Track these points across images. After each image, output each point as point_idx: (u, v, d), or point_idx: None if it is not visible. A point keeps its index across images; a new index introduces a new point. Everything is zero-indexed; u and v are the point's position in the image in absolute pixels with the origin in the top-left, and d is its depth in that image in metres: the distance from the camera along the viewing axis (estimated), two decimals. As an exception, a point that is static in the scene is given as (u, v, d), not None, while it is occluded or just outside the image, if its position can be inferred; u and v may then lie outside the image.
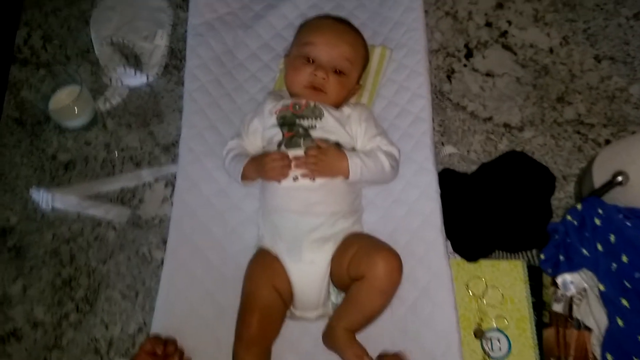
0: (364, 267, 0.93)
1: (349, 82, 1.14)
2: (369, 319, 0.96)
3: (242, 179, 1.08)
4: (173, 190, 1.18)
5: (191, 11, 1.35)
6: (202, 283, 1.07)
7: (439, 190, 1.10)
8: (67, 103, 1.21)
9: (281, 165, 1.02)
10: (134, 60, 1.39)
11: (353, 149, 1.09)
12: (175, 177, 1.19)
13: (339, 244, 1.00)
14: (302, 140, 1.05)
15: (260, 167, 1.04)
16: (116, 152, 1.29)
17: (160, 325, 1.03)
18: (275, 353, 0.97)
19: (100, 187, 1.24)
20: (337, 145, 1.06)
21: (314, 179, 1.02)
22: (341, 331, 0.93)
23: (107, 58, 1.38)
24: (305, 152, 1.04)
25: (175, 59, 1.39)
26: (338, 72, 1.11)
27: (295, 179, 1.02)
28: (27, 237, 1.21)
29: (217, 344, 1.00)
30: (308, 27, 1.18)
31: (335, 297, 1.01)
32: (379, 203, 1.12)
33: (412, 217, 1.08)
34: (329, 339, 0.95)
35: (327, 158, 1.02)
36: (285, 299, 0.99)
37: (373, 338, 0.98)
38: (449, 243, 1.09)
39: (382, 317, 0.99)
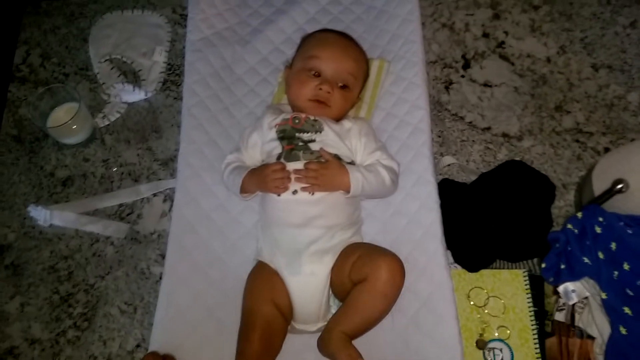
0: (366, 270, 0.93)
1: (352, 96, 1.14)
2: (368, 323, 0.94)
3: (241, 192, 1.08)
4: (172, 205, 1.17)
5: (189, 27, 1.36)
6: (202, 299, 1.06)
7: (439, 200, 1.09)
8: (66, 120, 1.22)
9: (281, 177, 1.01)
10: (133, 77, 1.39)
11: (352, 163, 1.08)
12: (174, 192, 1.18)
13: (339, 254, 1.00)
14: (301, 153, 1.05)
15: (260, 179, 1.03)
16: (115, 168, 1.29)
17: (158, 342, 1.01)
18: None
19: (99, 203, 1.24)
20: (337, 158, 1.06)
21: (313, 193, 1.02)
22: (337, 334, 0.91)
23: (106, 75, 1.39)
24: (304, 166, 1.03)
25: (174, 75, 1.39)
26: (342, 87, 1.11)
27: (295, 192, 1.02)
28: (25, 254, 1.20)
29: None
30: (313, 41, 1.18)
31: (336, 309, 1.00)
32: (379, 215, 1.11)
33: (413, 228, 1.07)
34: (324, 342, 0.93)
35: (328, 172, 1.02)
36: (286, 314, 0.98)
37: (374, 350, 0.97)
38: (449, 253, 1.08)
39: (383, 329, 0.99)
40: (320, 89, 1.09)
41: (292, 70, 1.17)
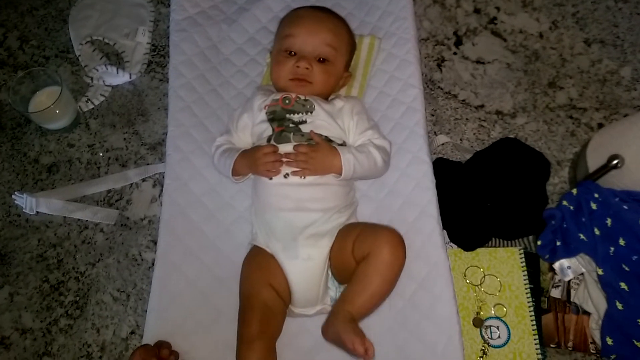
0: (368, 245, 0.92)
1: (335, 69, 1.11)
2: (375, 299, 0.92)
3: (232, 174, 1.05)
4: (162, 190, 1.15)
5: (173, 6, 1.32)
6: (196, 284, 1.04)
7: (434, 180, 1.08)
8: (48, 105, 1.18)
9: (273, 161, 0.99)
10: (116, 59, 1.36)
11: (344, 143, 1.06)
12: (163, 177, 1.16)
13: (336, 235, 0.99)
14: (292, 135, 1.03)
15: (252, 162, 1.01)
16: (101, 153, 1.26)
17: (153, 329, 1.00)
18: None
19: (86, 189, 1.21)
20: (328, 140, 1.04)
21: (304, 177, 1.00)
22: (344, 314, 0.89)
23: (88, 57, 1.35)
24: (294, 148, 1.01)
25: (159, 56, 1.36)
26: (322, 61, 1.08)
27: (286, 175, 1.00)
28: (12, 243, 1.17)
29: (214, 346, 0.98)
30: (287, 20, 1.15)
31: (335, 292, 0.99)
32: (374, 195, 1.10)
33: (408, 208, 1.06)
34: (329, 325, 0.91)
35: (318, 155, 1.00)
36: (284, 297, 0.97)
37: (373, 332, 0.96)
38: (445, 233, 1.08)
39: (381, 311, 0.98)
40: (298, 66, 1.06)
41: (272, 53, 1.15)
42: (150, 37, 1.37)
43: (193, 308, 1.02)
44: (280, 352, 0.96)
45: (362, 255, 0.92)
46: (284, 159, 1.00)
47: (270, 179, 1.00)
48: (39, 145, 1.27)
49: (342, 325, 0.87)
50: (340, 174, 1.00)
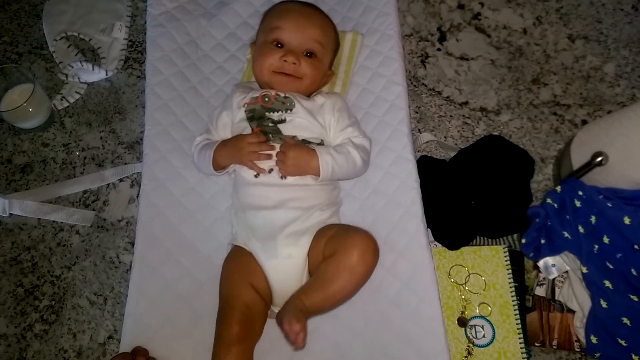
0: (338, 245, 0.90)
1: (322, 66, 1.09)
2: (331, 298, 0.90)
3: (214, 166, 1.02)
4: (139, 190, 1.12)
5: (150, 0, 1.28)
6: (175, 288, 1.01)
7: (418, 179, 1.06)
8: (21, 103, 1.15)
9: (259, 151, 0.97)
10: (92, 55, 1.32)
11: (322, 142, 1.04)
12: (141, 177, 1.12)
13: (315, 234, 0.97)
14: (270, 137, 1.01)
15: (235, 151, 0.99)
16: (77, 153, 1.22)
17: (131, 334, 0.97)
18: (256, 355, 0.92)
19: (61, 190, 1.17)
20: (305, 143, 1.02)
21: (285, 177, 0.98)
22: (296, 301, 0.86)
23: (63, 54, 1.31)
24: (280, 147, 0.99)
25: (136, 52, 1.32)
26: (309, 55, 1.06)
27: (270, 170, 0.98)
28: (-16, 246, 1.14)
29: (194, 351, 0.96)
30: (274, 12, 1.13)
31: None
32: (357, 194, 1.08)
33: (392, 208, 1.05)
34: (281, 310, 0.88)
35: (297, 155, 0.97)
36: (265, 298, 0.95)
37: (356, 332, 0.96)
38: (429, 232, 1.06)
39: (365, 311, 0.97)
40: (285, 60, 1.04)
41: (256, 45, 1.12)
42: (127, 32, 1.34)
43: (172, 312, 0.99)
44: (263, 357, 0.94)
45: (330, 253, 0.90)
46: (269, 152, 0.98)
47: (256, 176, 0.98)
48: (12, 144, 1.23)
49: (288, 310, 0.85)
50: (319, 176, 0.98)
